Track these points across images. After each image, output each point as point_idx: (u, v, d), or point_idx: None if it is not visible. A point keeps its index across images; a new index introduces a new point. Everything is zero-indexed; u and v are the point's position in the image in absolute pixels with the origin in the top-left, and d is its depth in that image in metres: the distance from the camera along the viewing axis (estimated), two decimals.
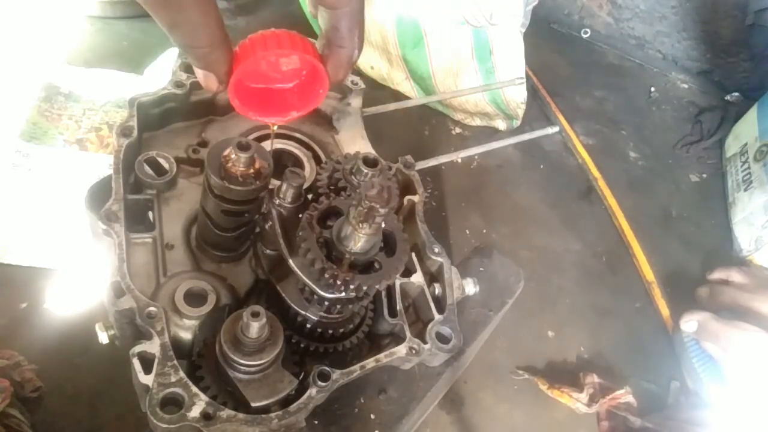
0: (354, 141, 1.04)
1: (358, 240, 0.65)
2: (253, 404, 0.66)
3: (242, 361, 0.65)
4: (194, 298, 0.73)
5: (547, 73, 1.87)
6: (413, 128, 1.55)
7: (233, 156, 0.68)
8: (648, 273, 1.43)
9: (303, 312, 0.75)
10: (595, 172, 1.62)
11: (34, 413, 0.84)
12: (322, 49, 0.65)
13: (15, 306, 0.97)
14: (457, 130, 1.61)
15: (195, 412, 0.63)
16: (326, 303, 0.73)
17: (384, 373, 0.85)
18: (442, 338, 0.80)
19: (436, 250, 0.88)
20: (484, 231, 1.40)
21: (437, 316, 0.82)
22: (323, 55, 0.65)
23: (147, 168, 0.83)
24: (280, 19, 1.63)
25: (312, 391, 0.69)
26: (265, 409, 0.67)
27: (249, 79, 0.66)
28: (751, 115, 1.71)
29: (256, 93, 0.68)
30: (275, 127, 0.87)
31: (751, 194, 1.56)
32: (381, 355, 0.76)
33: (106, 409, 0.89)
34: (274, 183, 0.74)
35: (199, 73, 0.62)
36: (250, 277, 0.82)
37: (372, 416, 0.83)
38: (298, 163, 0.96)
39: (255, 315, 0.64)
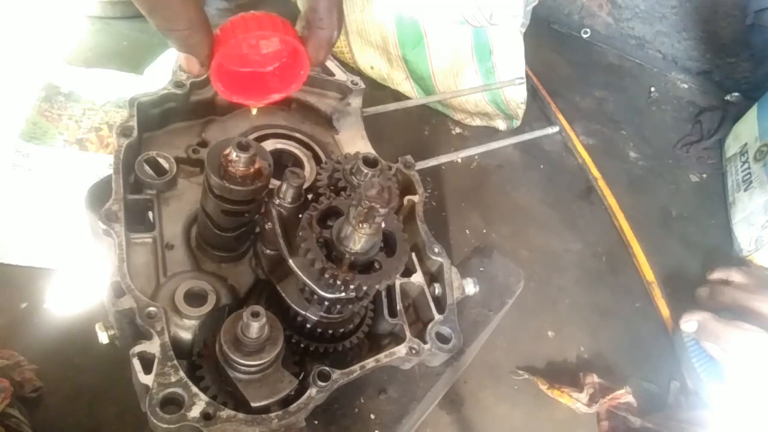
0: (354, 141, 1.04)
1: (358, 240, 0.65)
2: (253, 404, 0.66)
3: (242, 361, 0.65)
4: (194, 298, 0.73)
5: (547, 73, 1.87)
6: (413, 128, 1.55)
7: (233, 156, 0.68)
8: (648, 273, 1.43)
9: (303, 312, 0.75)
10: (595, 172, 1.62)
11: (34, 413, 0.84)
12: (302, 30, 0.65)
13: (15, 306, 0.97)
14: (457, 130, 1.61)
15: (195, 412, 0.63)
16: (326, 303, 0.73)
17: (384, 373, 0.85)
18: (442, 338, 0.80)
19: (436, 250, 0.88)
20: (484, 231, 1.40)
21: (437, 316, 0.82)
22: (303, 36, 0.65)
23: (147, 168, 0.82)
24: None
25: (312, 391, 0.69)
26: (265, 409, 0.67)
27: (230, 62, 0.67)
28: (751, 115, 1.71)
29: (237, 75, 0.69)
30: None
31: (751, 194, 1.56)
32: (381, 355, 0.76)
33: (106, 409, 0.89)
34: (274, 183, 0.74)
35: (181, 57, 0.62)
36: (250, 277, 0.82)
37: (372, 416, 0.83)
38: (298, 163, 0.96)
39: (255, 315, 0.63)
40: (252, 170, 0.70)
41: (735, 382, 1.15)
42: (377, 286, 0.68)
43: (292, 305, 0.75)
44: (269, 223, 0.75)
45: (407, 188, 0.96)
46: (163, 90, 0.88)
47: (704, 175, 1.79)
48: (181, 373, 0.65)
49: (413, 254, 0.89)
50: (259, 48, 0.67)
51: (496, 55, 1.42)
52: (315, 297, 0.72)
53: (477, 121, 1.61)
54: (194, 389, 0.64)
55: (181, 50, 0.61)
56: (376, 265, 0.69)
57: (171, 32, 0.59)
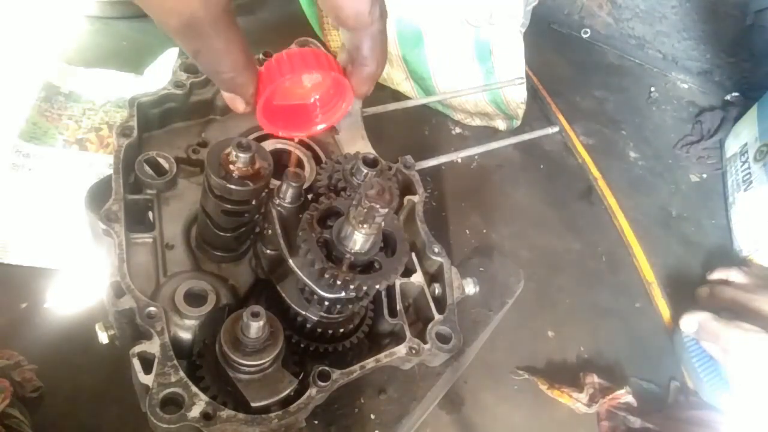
0: (354, 141, 1.04)
1: (358, 240, 0.66)
2: (253, 404, 0.66)
3: (242, 361, 0.65)
4: (194, 298, 0.73)
5: (547, 73, 1.87)
6: (413, 128, 1.55)
7: (233, 156, 0.69)
8: (648, 273, 1.43)
9: (303, 312, 0.75)
10: (595, 172, 1.62)
11: (34, 413, 0.84)
12: (344, 64, 0.65)
13: (15, 306, 0.96)
14: (457, 130, 1.61)
15: (195, 412, 0.63)
16: (326, 303, 0.73)
17: (384, 373, 0.85)
18: (442, 338, 0.80)
19: (436, 250, 0.88)
20: (484, 231, 1.40)
21: (437, 316, 0.82)
22: (347, 71, 0.66)
23: (147, 168, 0.82)
24: (280, 19, 1.63)
25: (312, 391, 0.69)
26: (265, 409, 0.67)
27: (276, 99, 0.67)
28: (751, 115, 1.71)
29: (282, 110, 0.69)
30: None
31: (751, 194, 1.56)
32: (381, 355, 0.76)
33: (106, 409, 0.89)
34: (274, 183, 0.74)
35: (226, 96, 0.62)
36: (250, 277, 0.82)
37: (372, 416, 0.83)
38: (298, 163, 0.96)
39: (255, 315, 0.64)
40: (252, 170, 0.70)
41: (735, 383, 1.15)
42: (377, 286, 0.68)
43: (292, 305, 0.75)
44: (269, 226, 0.75)
45: (407, 188, 0.96)
46: (163, 90, 0.88)
47: (704, 175, 1.79)
48: (181, 373, 0.65)
49: (413, 254, 0.89)
50: (303, 83, 0.67)
51: (496, 55, 1.42)
52: (315, 297, 0.72)
53: (477, 121, 1.61)
54: (194, 389, 0.64)
55: (227, 91, 0.61)
56: (376, 265, 0.69)
57: (217, 74, 0.59)
